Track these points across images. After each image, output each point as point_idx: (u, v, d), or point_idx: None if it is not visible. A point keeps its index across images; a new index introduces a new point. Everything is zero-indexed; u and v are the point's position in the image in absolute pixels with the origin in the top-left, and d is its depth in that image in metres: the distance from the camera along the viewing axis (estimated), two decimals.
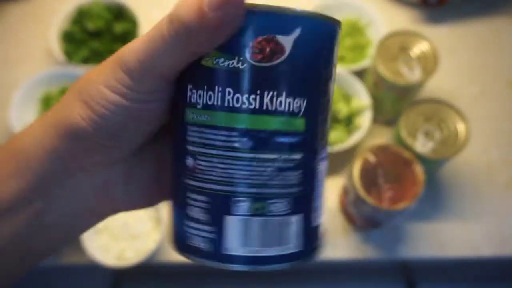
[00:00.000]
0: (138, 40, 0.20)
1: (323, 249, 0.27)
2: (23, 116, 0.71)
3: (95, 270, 0.64)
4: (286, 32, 0.20)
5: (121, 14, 0.78)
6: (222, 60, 0.20)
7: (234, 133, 0.21)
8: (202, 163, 0.21)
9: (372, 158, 0.57)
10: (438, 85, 0.76)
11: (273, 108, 0.21)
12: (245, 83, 0.20)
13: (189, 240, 0.22)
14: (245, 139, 0.21)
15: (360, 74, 0.72)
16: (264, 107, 0.21)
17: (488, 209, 0.68)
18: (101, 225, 0.63)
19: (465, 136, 0.59)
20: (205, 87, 0.21)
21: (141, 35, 0.21)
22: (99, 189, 0.24)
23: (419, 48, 0.64)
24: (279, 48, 0.20)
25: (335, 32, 0.23)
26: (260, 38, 0.20)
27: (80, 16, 0.77)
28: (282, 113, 0.21)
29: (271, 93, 0.21)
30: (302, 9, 0.21)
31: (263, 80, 0.20)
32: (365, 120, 0.68)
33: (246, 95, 0.20)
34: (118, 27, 0.76)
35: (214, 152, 0.21)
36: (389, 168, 0.57)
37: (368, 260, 0.66)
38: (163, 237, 0.66)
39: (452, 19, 0.84)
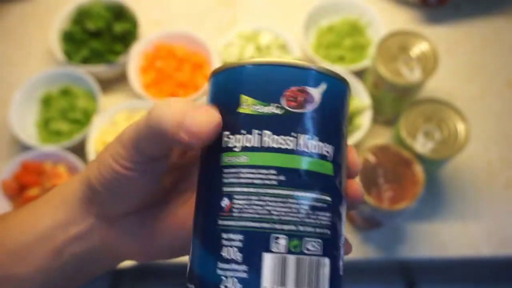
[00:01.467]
0: (132, 125, 0.25)
1: None
2: (23, 116, 0.71)
3: None
4: (315, 85, 0.24)
5: (121, 14, 0.78)
6: (260, 107, 0.23)
7: (272, 171, 0.23)
8: (240, 202, 0.23)
9: (372, 158, 0.57)
10: (438, 85, 0.76)
11: (308, 149, 0.23)
12: (282, 126, 0.23)
13: (223, 283, 0.22)
14: (282, 177, 0.23)
15: (360, 74, 0.72)
16: (300, 148, 0.23)
17: (488, 209, 0.68)
18: None
19: (465, 136, 0.59)
20: (244, 131, 0.23)
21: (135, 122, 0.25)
22: (109, 236, 0.28)
23: (419, 48, 0.64)
24: (310, 98, 0.23)
25: (348, 91, 0.26)
26: (293, 88, 0.23)
27: (80, 16, 0.77)
28: (315, 155, 0.23)
29: (305, 136, 0.23)
30: (324, 66, 0.25)
31: (298, 124, 0.23)
32: (365, 120, 0.68)
33: (283, 137, 0.23)
34: (118, 27, 0.76)
35: (252, 190, 0.22)
36: (389, 168, 0.57)
37: (368, 260, 0.66)
38: None
39: (452, 19, 0.84)
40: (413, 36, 0.65)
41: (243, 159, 0.23)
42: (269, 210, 0.22)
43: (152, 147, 0.24)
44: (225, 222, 0.23)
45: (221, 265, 0.22)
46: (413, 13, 0.84)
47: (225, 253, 0.22)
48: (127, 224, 0.28)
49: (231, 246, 0.22)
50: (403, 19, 0.83)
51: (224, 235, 0.23)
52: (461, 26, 0.83)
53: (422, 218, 0.67)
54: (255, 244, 0.22)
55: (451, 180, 0.70)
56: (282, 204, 0.22)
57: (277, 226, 0.22)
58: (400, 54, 0.64)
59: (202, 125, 0.22)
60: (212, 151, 0.24)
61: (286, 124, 0.23)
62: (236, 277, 0.22)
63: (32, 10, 0.86)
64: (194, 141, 0.22)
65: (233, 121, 0.24)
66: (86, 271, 0.30)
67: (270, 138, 0.23)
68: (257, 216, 0.22)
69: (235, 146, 0.23)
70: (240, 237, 0.22)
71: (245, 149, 0.23)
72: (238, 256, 0.22)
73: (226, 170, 0.23)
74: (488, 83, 0.78)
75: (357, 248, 0.66)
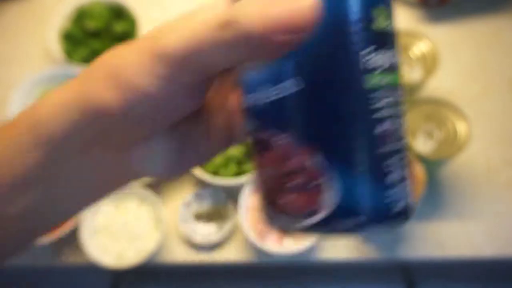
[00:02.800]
0: (179, 29, 0.19)
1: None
2: None
3: (95, 270, 0.64)
4: None
5: (121, 14, 0.78)
6: (389, 23, 0.22)
7: (400, 91, 0.23)
8: (391, 125, 0.22)
9: None
10: (439, 84, 0.76)
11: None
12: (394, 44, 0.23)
13: (394, 207, 0.23)
14: (401, 94, 0.23)
15: None
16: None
17: (488, 209, 0.68)
18: (101, 225, 0.63)
19: (466, 135, 0.59)
20: (386, 48, 0.22)
21: (180, 25, 0.19)
22: (115, 161, 0.23)
23: (420, 48, 0.64)
24: None
25: None
26: None
27: (80, 16, 0.77)
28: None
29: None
30: None
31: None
32: None
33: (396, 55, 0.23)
34: (118, 27, 0.76)
35: (395, 111, 0.22)
36: None
37: (368, 260, 0.66)
38: (163, 237, 0.65)
39: (452, 19, 0.84)
40: (414, 36, 0.64)
41: (388, 79, 0.22)
42: (402, 130, 0.23)
43: (217, 59, 0.18)
44: (385, 149, 0.22)
45: (389, 191, 0.22)
46: (413, 13, 0.84)
47: (392, 176, 0.22)
48: (145, 150, 0.23)
49: (395, 169, 0.22)
50: (403, 19, 0.83)
51: (387, 162, 0.22)
52: (462, 26, 0.83)
53: (422, 218, 0.67)
54: (403, 162, 0.23)
55: (451, 180, 0.70)
56: (402, 122, 0.23)
57: (404, 144, 0.23)
58: (400, 54, 0.64)
59: (299, 8, 0.18)
60: (347, 76, 0.22)
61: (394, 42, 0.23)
62: (403, 195, 0.23)
63: (31, 10, 0.86)
64: (292, 35, 0.18)
65: (374, 38, 0.21)
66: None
67: (395, 57, 0.23)
68: (402, 135, 0.23)
69: (379, 66, 0.22)
70: (398, 157, 0.23)
71: (390, 67, 0.22)
72: (401, 175, 0.23)
73: (373, 94, 0.22)
74: (489, 82, 0.78)
75: (357, 248, 0.66)
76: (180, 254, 0.65)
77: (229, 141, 0.25)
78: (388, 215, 0.23)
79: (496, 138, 0.73)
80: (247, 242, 0.65)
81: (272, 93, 0.22)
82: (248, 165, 0.64)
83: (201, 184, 0.69)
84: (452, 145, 0.59)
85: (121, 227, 0.63)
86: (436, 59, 0.63)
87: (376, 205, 0.22)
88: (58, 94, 0.22)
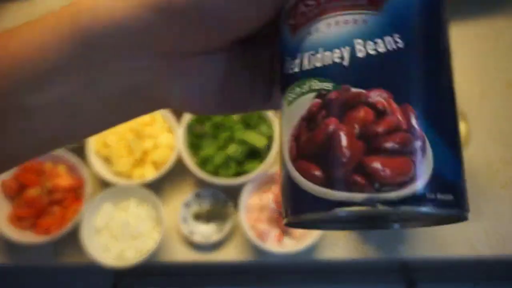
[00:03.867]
0: None
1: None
2: None
3: (96, 270, 0.64)
4: None
5: None
6: None
7: None
8: None
9: None
10: None
11: None
12: None
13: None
14: None
15: None
16: None
17: (487, 208, 0.68)
18: (101, 224, 0.63)
19: (465, 136, 0.59)
20: None
21: None
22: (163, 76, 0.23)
23: None
24: None
25: None
26: None
27: None
28: None
29: None
30: None
31: None
32: None
33: None
34: None
35: None
36: None
37: (368, 260, 0.66)
38: (163, 237, 0.66)
39: (451, 20, 0.84)
40: None
41: None
42: None
43: None
44: None
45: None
46: None
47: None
48: (197, 68, 0.23)
49: None
50: None
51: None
52: (461, 27, 0.83)
53: None
54: None
55: None
56: None
57: None
58: None
59: None
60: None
61: None
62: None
63: (31, 10, 0.86)
64: None
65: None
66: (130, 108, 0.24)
67: None
68: None
69: None
70: None
71: None
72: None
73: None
74: (488, 83, 0.78)
75: (357, 248, 0.66)
76: (180, 254, 0.65)
77: (268, 98, 0.25)
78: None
79: (495, 138, 0.73)
80: (247, 242, 0.65)
81: (362, 50, 0.19)
82: (248, 165, 0.64)
83: (201, 184, 0.69)
84: None
85: (121, 226, 0.63)
86: None
87: (458, 179, 0.20)
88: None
